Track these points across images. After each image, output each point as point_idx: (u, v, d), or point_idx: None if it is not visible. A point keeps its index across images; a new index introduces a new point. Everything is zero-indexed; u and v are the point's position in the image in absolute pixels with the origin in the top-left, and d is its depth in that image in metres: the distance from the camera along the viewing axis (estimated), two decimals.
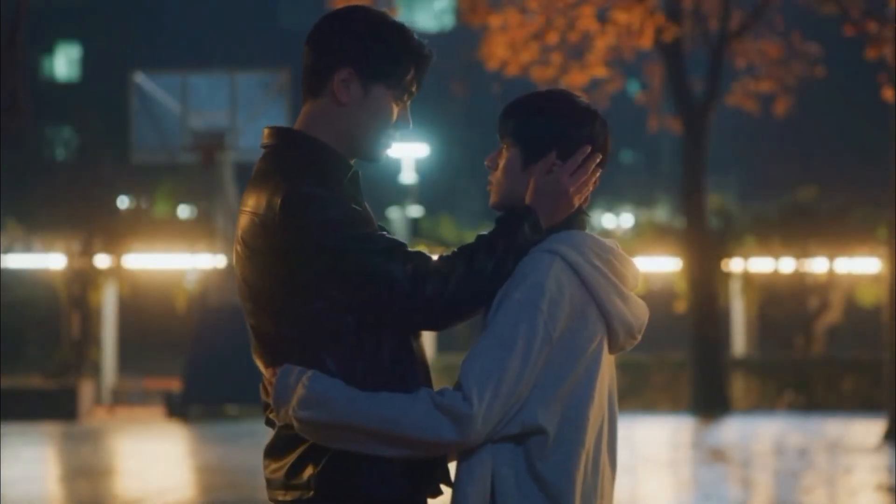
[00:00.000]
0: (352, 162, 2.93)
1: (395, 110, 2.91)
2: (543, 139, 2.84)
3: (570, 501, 2.71)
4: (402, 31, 2.90)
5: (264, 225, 2.76)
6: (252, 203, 2.81)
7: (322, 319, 2.75)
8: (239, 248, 2.84)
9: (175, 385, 23.39)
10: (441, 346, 23.38)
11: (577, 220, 2.88)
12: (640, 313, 2.88)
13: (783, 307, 26.46)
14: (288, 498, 2.79)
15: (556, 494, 2.71)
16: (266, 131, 2.93)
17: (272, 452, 2.83)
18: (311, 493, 2.75)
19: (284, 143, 2.89)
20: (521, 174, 2.86)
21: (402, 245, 2.75)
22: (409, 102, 2.94)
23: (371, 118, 2.88)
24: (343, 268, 2.71)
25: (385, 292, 2.71)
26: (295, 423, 2.73)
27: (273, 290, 2.78)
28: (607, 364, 2.85)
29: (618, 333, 2.83)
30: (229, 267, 23.15)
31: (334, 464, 2.74)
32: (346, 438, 2.71)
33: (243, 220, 2.83)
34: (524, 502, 2.71)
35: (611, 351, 2.85)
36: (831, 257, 25.58)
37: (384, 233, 2.79)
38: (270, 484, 2.83)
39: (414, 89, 2.92)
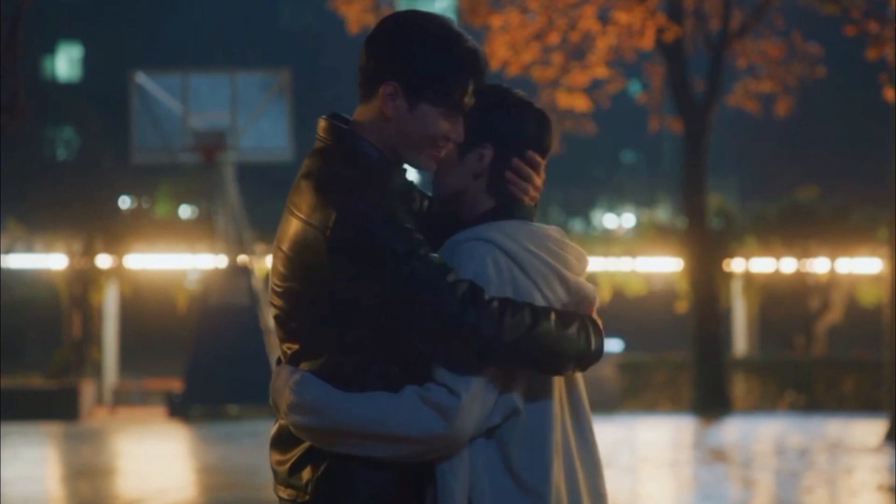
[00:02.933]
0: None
1: (445, 124, 2.86)
2: (471, 131, 2.87)
3: (546, 492, 2.71)
4: (453, 49, 2.84)
5: (315, 236, 2.73)
6: (302, 209, 2.76)
7: (347, 333, 2.75)
8: (282, 247, 2.81)
9: (176, 385, 23.40)
10: None
11: (517, 209, 2.89)
12: (585, 298, 2.87)
13: (784, 307, 26.46)
14: (285, 496, 2.82)
15: (531, 488, 2.71)
16: (323, 124, 2.89)
17: (278, 444, 2.84)
18: (307, 497, 2.77)
19: (341, 146, 2.85)
20: (456, 166, 2.88)
21: (472, 286, 2.69)
22: (461, 115, 2.88)
23: (415, 133, 2.84)
24: (397, 294, 2.69)
25: (456, 335, 2.68)
26: (290, 426, 2.77)
27: (309, 298, 2.77)
28: None
29: None
30: (230, 267, 23.17)
31: (332, 470, 2.75)
32: (337, 442, 2.72)
33: (293, 225, 2.78)
34: (501, 495, 2.71)
35: None
36: (832, 257, 25.59)
37: (435, 255, 2.72)
38: (275, 475, 2.86)
39: (466, 101, 2.87)
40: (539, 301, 2.77)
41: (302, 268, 2.76)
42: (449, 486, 2.70)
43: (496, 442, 2.72)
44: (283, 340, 2.85)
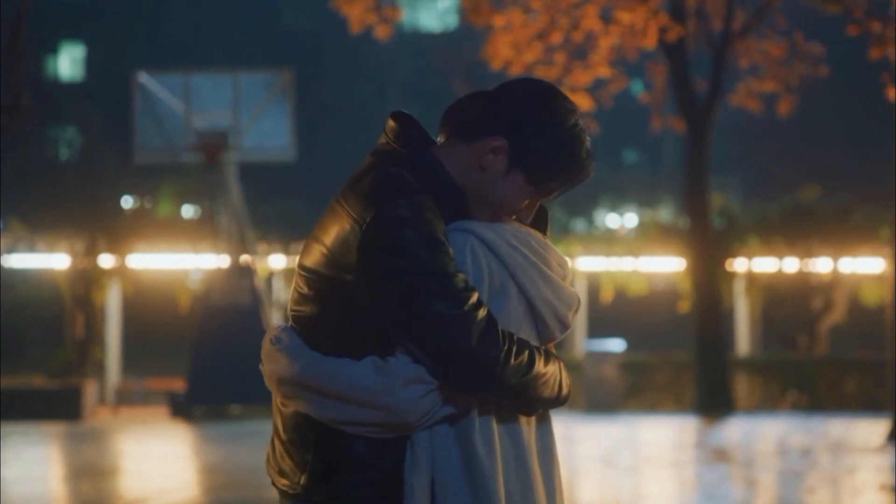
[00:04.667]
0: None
1: (525, 202, 2.82)
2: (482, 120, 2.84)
3: (493, 490, 2.70)
4: (575, 146, 2.80)
5: (351, 226, 2.71)
6: (351, 201, 2.74)
7: (362, 327, 2.75)
8: (320, 234, 2.79)
9: (178, 385, 23.40)
10: None
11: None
12: (566, 298, 2.84)
13: (786, 307, 26.46)
14: (278, 484, 2.85)
15: (483, 486, 2.70)
16: (393, 126, 2.83)
17: (285, 429, 2.84)
18: (299, 489, 2.78)
19: (412, 160, 2.80)
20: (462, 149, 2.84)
21: (490, 320, 2.67)
22: (539, 202, 2.85)
23: (495, 194, 2.80)
24: (410, 310, 2.67)
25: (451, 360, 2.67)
26: (264, 378, 2.84)
27: (333, 284, 2.75)
28: None
29: (544, 316, 2.80)
30: (233, 267, 23.18)
31: (323, 467, 2.76)
32: (295, 395, 2.75)
33: (337, 216, 2.75)
34: (458, 491, 2.70)
35: (542, 340, 2.82)
36: (835, 257, 25.58)
37: (460, 278, 2.67)
38: (268, 462, 2.89)
39: (552, 196, 2.85)
40: (512, 293, 2.76)
41: (333, 257, 2.74)
42: (409, 482, 2.71)
43: (455, 433, 2.71)
44: (294, 319, 2.85)
